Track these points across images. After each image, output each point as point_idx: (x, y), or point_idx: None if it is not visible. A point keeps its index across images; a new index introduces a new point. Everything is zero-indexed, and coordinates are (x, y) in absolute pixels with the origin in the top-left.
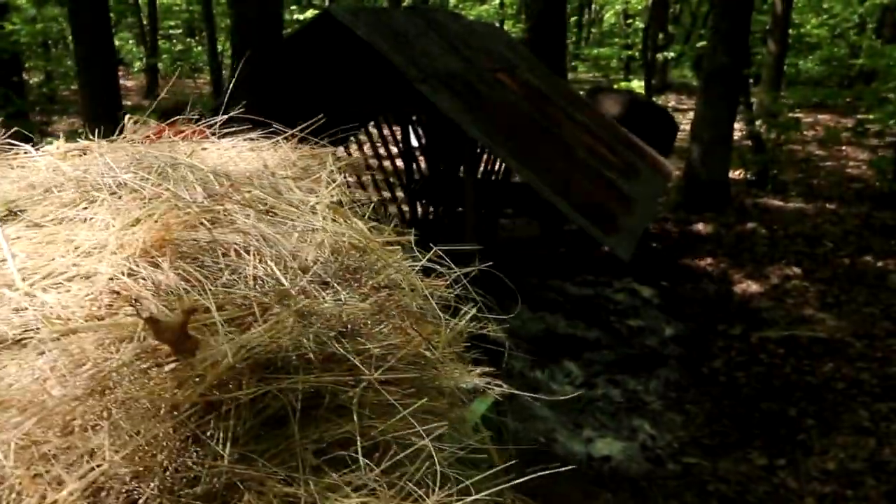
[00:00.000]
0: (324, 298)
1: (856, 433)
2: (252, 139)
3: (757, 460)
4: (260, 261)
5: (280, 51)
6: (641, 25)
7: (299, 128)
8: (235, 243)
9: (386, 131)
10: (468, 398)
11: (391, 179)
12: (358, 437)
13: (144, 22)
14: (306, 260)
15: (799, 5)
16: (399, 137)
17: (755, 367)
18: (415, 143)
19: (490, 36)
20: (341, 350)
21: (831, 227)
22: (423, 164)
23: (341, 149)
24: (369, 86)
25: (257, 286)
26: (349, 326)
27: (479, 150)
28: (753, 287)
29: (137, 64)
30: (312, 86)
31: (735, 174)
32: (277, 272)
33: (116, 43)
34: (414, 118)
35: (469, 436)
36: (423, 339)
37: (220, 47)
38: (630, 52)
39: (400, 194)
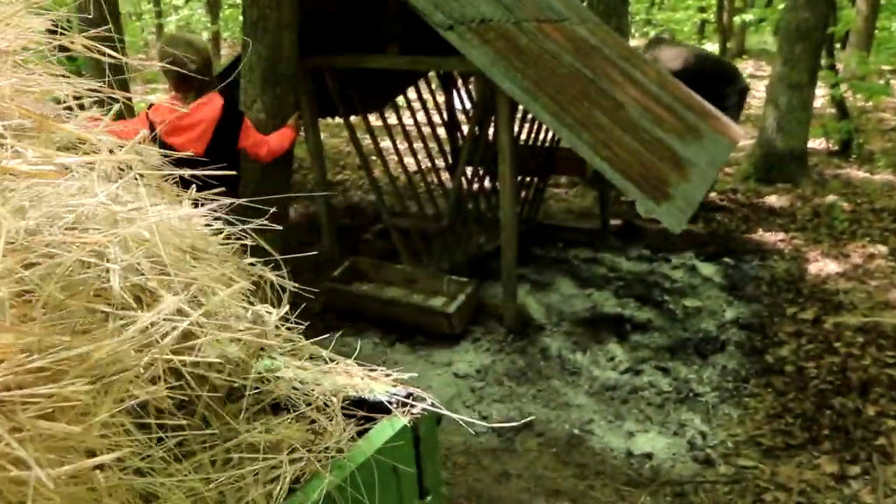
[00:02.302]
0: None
1: None
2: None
3: (826, 467)
4: None
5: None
6: None
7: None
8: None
9: (426, 94)
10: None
11: (431, 146)
12: None
13: None
14: None
15: None
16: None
17: (829, 357)
18: (459, 106)
19: None
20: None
21: None
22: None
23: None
24: (404, 42)
25: None
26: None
27: (518, 110)
28: (831, 266)
29: (205, 33)
30: (343, 42)
31: (815, 143)
32: None
33: (186, 12)
34: (458, 79)
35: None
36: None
37: None
38: (704, 16)
39: (441, 163)
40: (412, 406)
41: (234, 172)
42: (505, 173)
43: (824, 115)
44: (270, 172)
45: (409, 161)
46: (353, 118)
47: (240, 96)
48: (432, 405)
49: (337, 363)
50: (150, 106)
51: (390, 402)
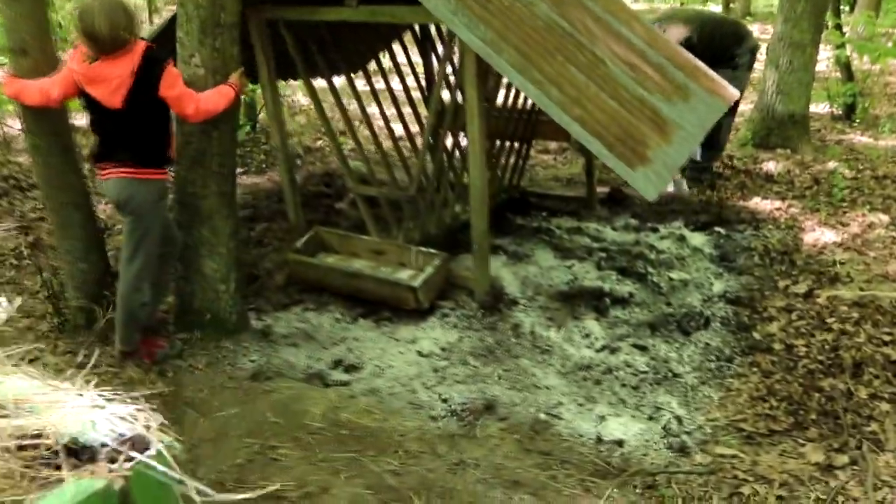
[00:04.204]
0: None
1: None
2: None
3: (811, 456)
4: None
5: None
6: None
7: None
8: None
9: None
10: None
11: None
12: None
13: None
14: None
15: None
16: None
17: (820, 333)
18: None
19: None
20: None
21: None
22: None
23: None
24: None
25: None
26: None
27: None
28: (828, 236)
29: None
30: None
31: (819, 108)
32: None
33: None
34: (437, 39)
35: None
36: None
37: None
38: None
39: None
40: (128, 457)
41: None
42: (473, 136)
43: (829, 78)
44: (212, 131)
45: (393, 127)
46: (336, 81)
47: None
48: (160, 459)
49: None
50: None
51: (104, 447)
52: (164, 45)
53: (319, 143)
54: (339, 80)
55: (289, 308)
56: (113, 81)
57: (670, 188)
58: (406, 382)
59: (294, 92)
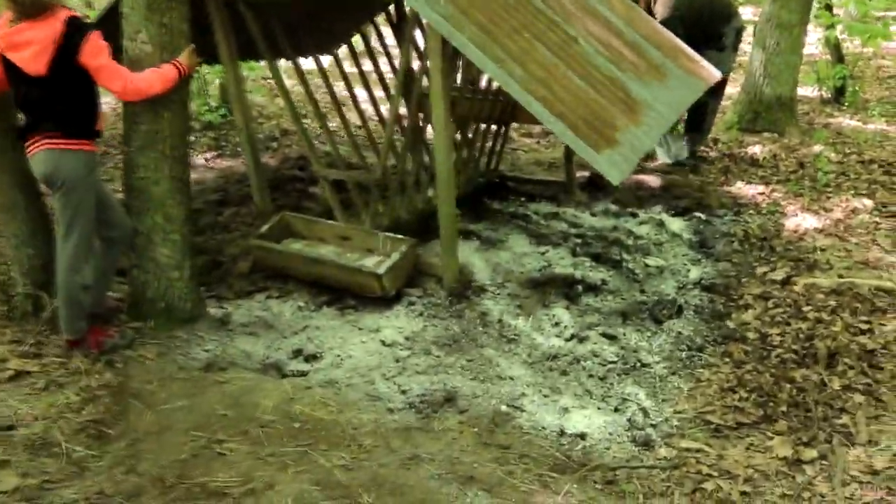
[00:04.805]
0: None
1: None
2: None
3: (778, 449)
4: None
5: None
6: None
7: None
8: None
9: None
10: None
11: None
12: None
13: None
14: None
15: None
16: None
17: (796, 322)
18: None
19: None
20: None
21: None
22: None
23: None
24: None
25: None
26: None
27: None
28: (809, 221)
29: None
30: None
31: (809, 91)
32: None
33: None
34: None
35: None
36: None
37: None
38: None
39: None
40: None
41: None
42: (438, 117)
43: (819, 60)
44: (163, 112)
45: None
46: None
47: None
48: None
49: None
50: None
51: None
52: (110, 28)
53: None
54: (313, 63)
55: (251, 296)
56: (35, 46)
57: (664, 157)
58: (365, 373)
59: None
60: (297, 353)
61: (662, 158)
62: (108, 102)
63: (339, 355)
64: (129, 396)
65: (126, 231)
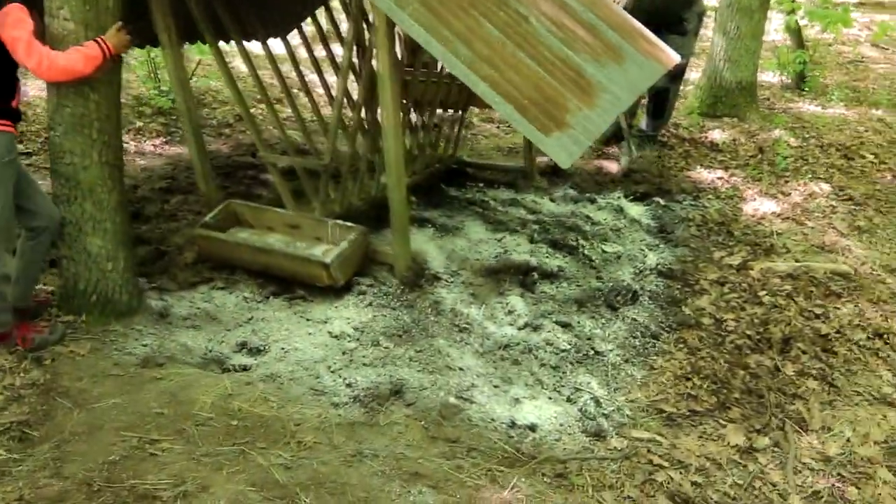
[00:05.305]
0: None
1: (872, 402)
2: None
3: (731, 437)
4: None
5: None
6: None
7: None
8: None
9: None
10: None
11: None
12: None
13: None
14: None
15: None
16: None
17: (751, 307)
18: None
19: None
20: None
21: (875, 137)
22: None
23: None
24: None
25: None
26: None
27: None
28: (767, 206)
29: None
30: None
31: (770, 77)
32: None
33: None
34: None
35: None
36: None
37: None
38: None
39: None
40: None
41: None
42: (386, 101)
43: (780, 46)
44: (90, 93)
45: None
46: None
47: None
48: None
49: None
50: None
51: None
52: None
53: (252, 110)
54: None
55: (196, 287)
56: None
57: (625, 165)
58: (310, 366)
59: (234, 58)
60: (241, 346)
61: (624, 165)
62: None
63: (284, 348)
64: (57, 395)
65: (53, 220)
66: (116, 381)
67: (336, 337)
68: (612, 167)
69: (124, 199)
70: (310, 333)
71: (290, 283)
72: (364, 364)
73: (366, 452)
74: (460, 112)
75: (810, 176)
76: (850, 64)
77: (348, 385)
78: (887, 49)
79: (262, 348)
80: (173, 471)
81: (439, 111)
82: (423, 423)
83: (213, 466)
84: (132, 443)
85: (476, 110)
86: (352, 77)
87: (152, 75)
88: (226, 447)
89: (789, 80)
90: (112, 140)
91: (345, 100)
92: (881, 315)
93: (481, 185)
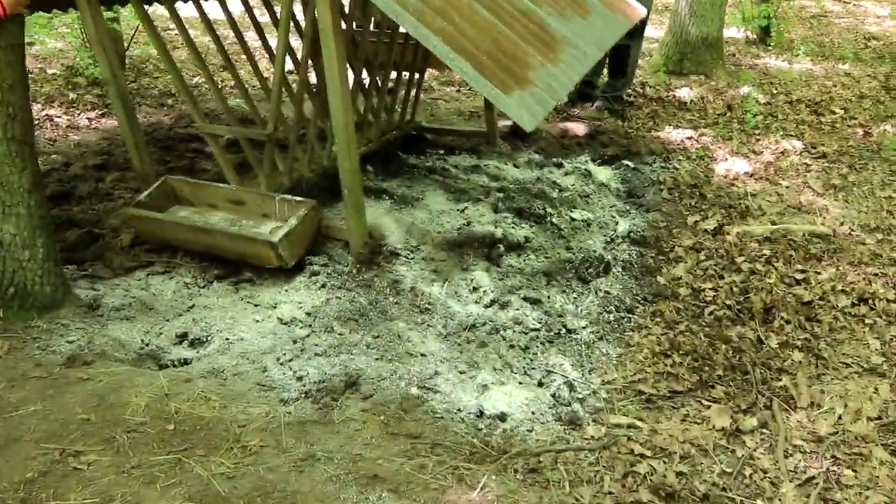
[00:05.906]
0: None
1: (862, 374)
2: None
3: (715, 420)
4: None
5: None
6: None
7: None
8: None
9: None
10: None
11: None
12: None
13: None
14: None
15: None
16: None
17: (729, 275)
18: None
19: None
20: None
21: (843, 91)
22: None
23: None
24: None
25: None
26: None
27: None
28: (739, 166)
29: None
30: None
31: (735, 32)
32: None
33: None
34: None
35: None
36: None
37: None
38: None
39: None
40: None
41: None
42: (330, 61)
43: (744, 0)
44: None
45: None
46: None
47: None
48: None
49: None
50: None
51: None
52: None
53: (196, 79)
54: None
55: (132, 273)
56: None
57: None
58: (257, 358)
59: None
60: (180, 338)
61: (599, 105)
62: None
63: (227, 338)
64: None
65: None
66: (38, 384)
67: (286, 323)
68: (578, 130)
69: (39, 180)
70: (257, 321)
71: (236, 265)
72: (316, 354)
73: (318, 455)
74: (417, 74)
75: (781, 133)
76: (813, 18)
77: (299, 378)
78: (849, 3)
79: (203, 339)
80: (99, 487)
81: (394, 74)
82: (381, 417)
83: (146, 480)
84: (53, 456)
85: (436, 73)
86: (296, 34)
87: (86, 44)
88: (160, 456)
89: (754, 36)
90: (18, 112)
91: (288, 58)
92: (864, 278)
93: (441, 152)
